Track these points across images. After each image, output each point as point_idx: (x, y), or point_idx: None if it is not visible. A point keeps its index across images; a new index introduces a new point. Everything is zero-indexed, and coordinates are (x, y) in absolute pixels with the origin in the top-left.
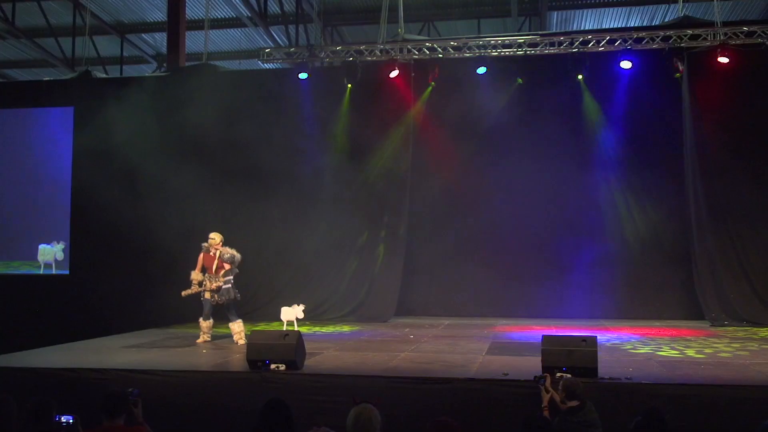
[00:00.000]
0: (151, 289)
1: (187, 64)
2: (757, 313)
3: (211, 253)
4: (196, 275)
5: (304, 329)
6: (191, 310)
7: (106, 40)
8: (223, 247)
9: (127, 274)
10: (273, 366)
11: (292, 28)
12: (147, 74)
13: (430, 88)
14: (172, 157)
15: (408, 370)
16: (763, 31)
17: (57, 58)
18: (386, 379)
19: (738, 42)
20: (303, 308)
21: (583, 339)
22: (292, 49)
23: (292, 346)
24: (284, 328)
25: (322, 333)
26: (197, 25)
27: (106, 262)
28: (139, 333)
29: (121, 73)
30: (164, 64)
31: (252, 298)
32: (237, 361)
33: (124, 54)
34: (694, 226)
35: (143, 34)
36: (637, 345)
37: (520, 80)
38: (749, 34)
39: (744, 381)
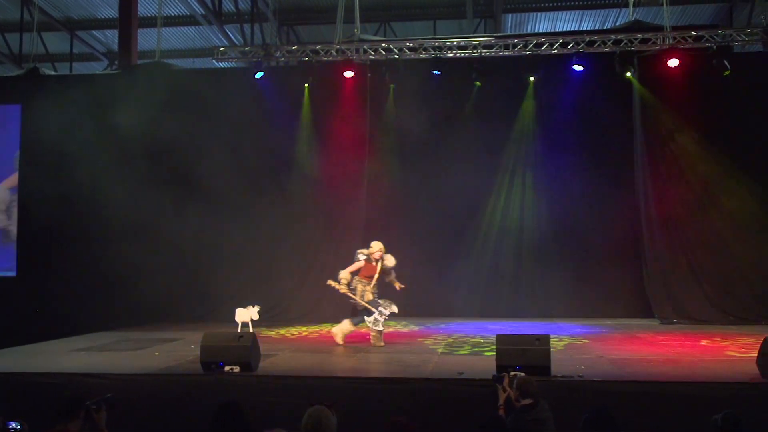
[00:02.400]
0: (102, 291)
1: (139, 62)
2: (704, 311)
3: (373, 263)
4: (345, 275)
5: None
6: (144, 312)
7: (55, 36)
8: (386, 255)
9: (77, 275)
10: (227, 368)
11: (247, 26)
12: (98, 72)
13: (391, 89)
14: (122, 156)
15: (364, 370)
16: (710, 36)
17: (4, 55)
18: (342, 380)
19: (687, 46)
20: (258, 309)
21: (537, 338)
22: (247, 48)
23: (247, 347)
24: (239, 330)
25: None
26: (150, 22)
27: (54, 264)
28: (90, 336)
29: (70, 71)
30: (115, 62)
31: (206, 300)
32: (190, 363)
33: (74, 51)
34: (645, 227)
35: (94, 31)
36: (589, 343)
37: (478, 83)
38: (697, 39)
39: (692, 378)
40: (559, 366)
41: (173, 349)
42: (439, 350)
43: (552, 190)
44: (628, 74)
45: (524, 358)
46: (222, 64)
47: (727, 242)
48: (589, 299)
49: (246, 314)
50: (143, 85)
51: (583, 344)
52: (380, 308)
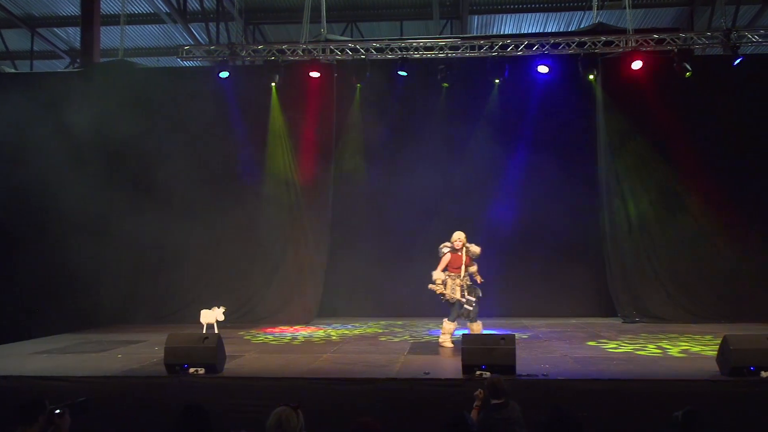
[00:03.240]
0: (60, 293)
1: (102, 60)
2: (666, 309)
3: (459, 253)
4: (438, 275)
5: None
6: (105, 313)
7: (15, 33)
8: (469, 244)
9: (34, 276)
10: (192, 370)
11: (212, 25)
12: (59, 70)
13: (358, 89)
14: (84, 156)
15: (330, 371)
16: (672, 39)
17: None
18: (308, 381)
19: (649, 48)
20: (224, 310)
21: (502, 337)
22: (213, 47)
23: (212, 349)
24: (204, 331)
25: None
26: (113, 20)
27: (13, 264)
28: (50, 338)
29: (31, 69)
30: (77, 60)
31: (171, 301)
32: (154, 365)
33: (35, 49)
34: (607, 226)
35: (55, 29)
36: (553, 342)
37: (445, 84)
38: (659, 41)
39: (654, 375)
40: (523, 365)
41: (136, 351)
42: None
43: (517, 191)
44: (591, 76)
45: (490, 357)
46: (187, 63)
47: (689, 243)
48: (554, 298)
49: (211, 315)
50: (106, 84)
51: (547, 343)
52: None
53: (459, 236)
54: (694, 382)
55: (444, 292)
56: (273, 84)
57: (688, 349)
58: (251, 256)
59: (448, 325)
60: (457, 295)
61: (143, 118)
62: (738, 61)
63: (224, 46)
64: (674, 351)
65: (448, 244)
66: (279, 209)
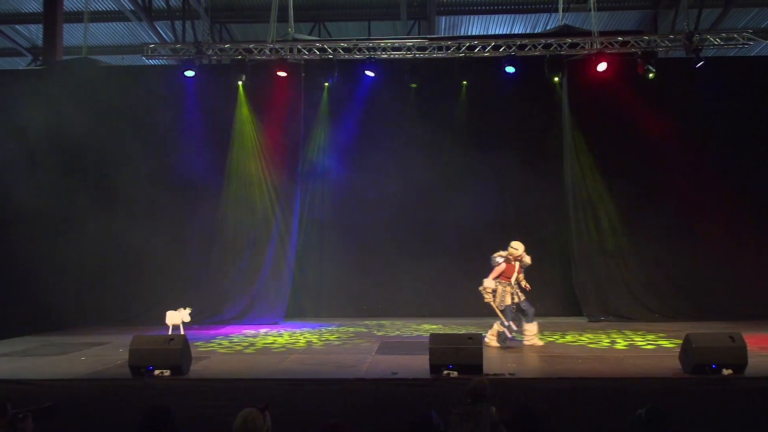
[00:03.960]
0: (20, 294)
1: (64, 57)
2: (631, 308)
3: (513, 263)
4: (489, 283)
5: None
6: (67, 315)
7: None
8: (524, 254)
9: None
10: (157, 372)
11: (178, 23)
12: (21, 67)
13: (326, 88)
14: (46, 154)
15: (297, 371)
16: (636, 41)
17: None
18: (275, 382)
19: (613, 51)
20: (190, 312)
21: (470, 336)
22: (178, 46)
23: (178, 350)
24: (170, 333)
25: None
26: (76, 17)
27: None
28: (10, 341)
29: None
30: (40, 58)
31: (135, 302)
32: (118, 367)
33: None
34: (573, 227)
35: (17, 25)
36: (521, 341)
37: (414, 85)
38: (623, 44)
39: (619, 373)
40: (491, 364)
41: (100, 354)
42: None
43: (485, 191)
44: (555, 78)
45: (457, 357)
46: (152, 62)
47: (653, 243)
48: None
49: (177, 317)
50: (69, 82)
51: (513, 342)
52: (510, 323)
53: (518, 247)
54: (658, 379)
55: (491, 301)
56: (240, 83)
57: (652, 347)
58: (218, 257)
59: (498, 326)
60: (507, 301)
61: (106, 116)
62: (700, 63)
63: (190, 44)
64: (639, 349)
65: (503, 253)
66: (246, 209)
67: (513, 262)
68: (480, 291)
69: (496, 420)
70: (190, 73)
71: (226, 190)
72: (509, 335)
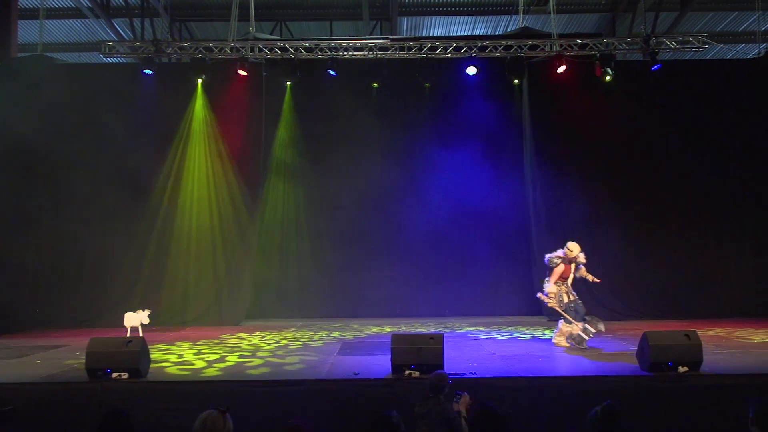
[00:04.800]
0: None
1: (19, 54)
2: (590, 307)
3: (569, 264)
4: (552, 288)
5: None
6: (20, 318)
7: None
8: (581, 255)
9: None
10: (115, 375)
11: (137, 21)
12: None
13: (288, 88)
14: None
15: (258, 373)
16: (594, 44)
17: None
18: (236, 384)
19: (573, 53)
20: (149, 313)
21: (431, 336)
22: (137, 44)
23: (136, 353)
24: (128, 335)
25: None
26: (31, 13)
27: None
28: None
29: None
30: None
31: (93, 304)
32: (75, 370)
33: None
34: (533, 226)
35: None
36: (481, 340)
37: (375, 84)
38: (582, 46)
39: (576, 372)
40: (451, 364)
41: (56, 357)
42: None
43: (448, 191)
44: (516, 81)
45: (418, 357)
46: (110, 60)
47: (613, 243)
48: (481, 297)
49: (135, 318)
50: (23, 80)
51: (475, 342)
52: (586, 326)
53: (574, 248)
54: (616, 378)
55: (556, 305)
56: (199, 82)
57: (612, 345)
58: (177, 258)
59: (565, 327)
60: (565, 300)
61: (62, 115)
62: (656, 66)
63: (149, 42)
64: (597, 348)
65: (560, 254)
66: (205, 210)
67: (569, 263)
68: (541, 298)
69: (453, 414)
70: (148, 72)
71: (185, 191)
72: (586, 337)
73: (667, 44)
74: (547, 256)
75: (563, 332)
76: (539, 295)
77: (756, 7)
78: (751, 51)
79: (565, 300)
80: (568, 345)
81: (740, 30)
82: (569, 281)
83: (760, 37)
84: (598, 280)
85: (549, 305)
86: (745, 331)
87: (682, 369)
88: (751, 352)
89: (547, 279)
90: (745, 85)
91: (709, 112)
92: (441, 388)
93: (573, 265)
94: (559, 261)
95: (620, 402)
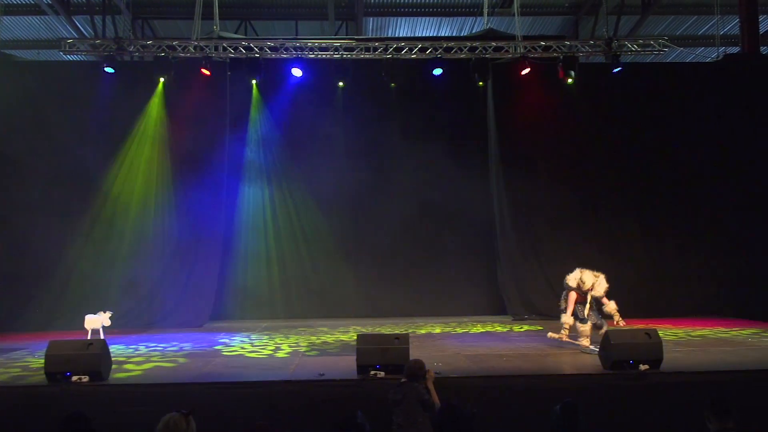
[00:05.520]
0: None
1: None
2: (552, 306)
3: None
4: (568, 320)
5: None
6: None
7: None
8: (597, 287)
9: None
10: (75, 378)
11: (98, 18)
12: None
13: (254, 87)
14: None
15: (223, 375)
16: (558, 46)
17: None
18: (200, 386)
19: (536, 55)
20: (110, 315)
21: (397, 336)
22: (98, 41)
23: (97, 356)
24: (89, 337)
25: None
26: None
27: None
28: None
29: None
30: None
31: (53, 307)
32: (34, 374)
33: None
34: (498, 228)
35: None
36: (447, 340)
37: (341, 84)
38: (546, 49)
39: (540, 371)
40: None
41: (15, 360)
42: (303, 350)
43: (413, 191)
44: (480, 83)
45: (384, 357)
46: (70, 57)
47: (576, 243)
48: (446, 297)
49: (96, 321)
50: None
51: (440, 341)
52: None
53: (587, 280)
54: (579, 376)
55: (571, 341)
56: (161, 81)
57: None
58: (139, 260)
59: (580, 327)
60: (593, 320)
61: (20, 114)
62: (618, 69)
63: (110, 40)
64: (561, 346)
65: (575, 280)
66: (166, 212)
67: (584, 294)
68: (552, 337)
69: (426, 395)
70: (109, 70)
71: (146, 192)
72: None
73: (628, 47)
74: (566, 279)
75: (583, 333)
76: (550, 335)
77: (715, 11)
78: (710, 54)
79: (592, 319)
80: (588, 345)
81: (699, 34)
82: (588, 302)
83: (718, 40)
84: (623, 323)
85: (563, 339)
86: (705, 329)
87: (643, 367)
88: (709, 350)
89: (563, 297)
90: (703, 88)
91: (670, 114)
92: (418, 375)
93: (589, 297)
94: (572, 285)
95: (583, 399)
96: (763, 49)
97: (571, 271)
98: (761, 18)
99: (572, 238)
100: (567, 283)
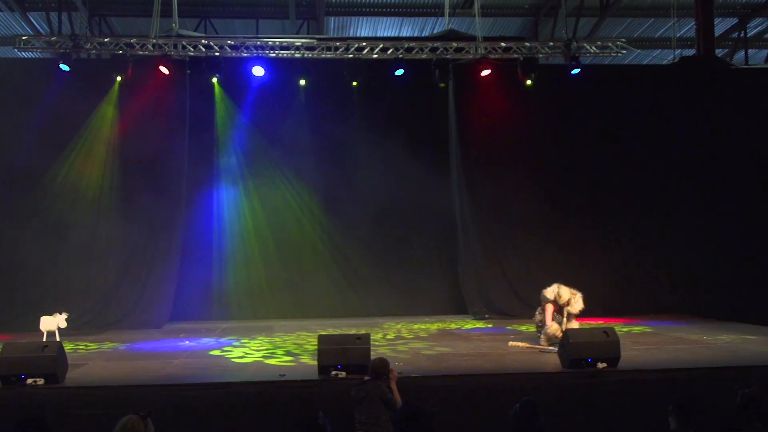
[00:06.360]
0: None
1: None
2: (513, 306)
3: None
4: (549, 332)
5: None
6: None
7: None
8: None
9: None
10: (29, 380)
11: (54, 15)
12: None
13: (215, 86)
14: None
15: (182, 376)
16: (518, 47)
17: None
18: (159, 388)
19: (497, 56)
20: (66, 317)
21: (357, 337)
22: (54, 38)
23: (52, 357)
24: (44, 339)
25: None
26: None
27: None
28: None
29: None
30: None
31: (8, 307)
32: None
33: None
34: (460, 228)
35: None
36: (409, 340)
37: (303, 83)
38: (506, 50)
39: (500, 369)
40: None
41: None
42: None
43: (374, 191)
44: (441, 84)
45: (345, 357)
46: (25, 54)
47: (533, 241)
48: (408, 297)
49: (52, 322)
50: None
51: (401, 341)
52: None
53: (566, 297)
54: (538, 374)
55: (546, 348)
56: (118, 80)
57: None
58: (96, 261)
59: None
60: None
61: None
62: (576, 71)
63: (67, 37)
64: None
65: (551, 294)
66: (126, 209)
67: (559, 308)
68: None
69: (389, 394)
70: (65, 67)
71: (103, 191)
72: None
73: (587, 49)
74: (544, 291)
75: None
76: (511, 344)
77: (671, 14)
78: (666, 56)
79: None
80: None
81: (656, 36)
82: (564, 314)
83: (675, 43)
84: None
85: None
86: (661, 327)
87: (601, 365)
88: (666, 348)
89: (539, 311)
90: (660, 89)
91: (628, 114)
92: (382, 374)
93: (565, 312)
94: (551, 298)
95: (542, 398)
96: (718, 52)
97: (549, 285)
98: (716, 21)
99: (533, 237)
100: (544, 296)
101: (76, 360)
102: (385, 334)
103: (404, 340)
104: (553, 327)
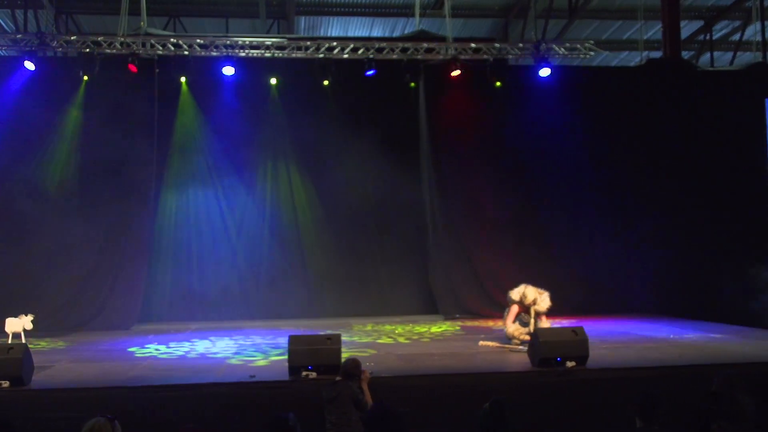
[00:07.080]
0: None
1: None
2: (483, 305)
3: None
4: (509, 332)
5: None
6: None
7: None
8: (541, 297)
9: None
10: None
11: (20, 12)
12: None
13: (184, 85)
14: None
15: (150, 377)
16: (488, 48)
17: None
18: (127, 390)
19: (467, 57)
20: (32, 318)
21: (328, 337)
22: (19, 36)
23: (18, 360)
24: (9, 341)
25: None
26: None
27: None
28: None
29: None
30: None
31: None
32: None
33: None
34: (430, 227)
35: None
36: (379, 340)
37: (274, 83)
38: (476, 51)
39: (470, 369)
40: None
41: None
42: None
43: (345, 191)
44: (412, 84)
45: (316, 357)
46: None
47: (504, 240)
48: (378, 296)
49: (17, 324)
50: None
51: (373, 341)
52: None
53: (532, 297)
54: (507, 374)
55: (513, 348)
56: (85, 78)
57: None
58: (63, 262)
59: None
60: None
61: None
62: (545, 72)
63: (32, 35)
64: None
65: (517, 295)
66: (93, 209)
67: (525, 307)
68: (484, 345)
69: (360, 395)
70: (29, 66)
71: (70, 191)
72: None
73: (556, 50)
74: (510, 293)
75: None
76: (482, 343)
77: (639, 17)
78: (633, 58)
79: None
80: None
81: (624, 38)
82: (532, 315)
83: (642, 45)
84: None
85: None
86: (630, 326)
87: (569, 364)
88: (633, 346)
89: (506, 314)
90: (628, 90)
91: (597, 115)
92: (354, 375)
93: (532, 312)
94: (516, 299)
95: (512, 397)
96: (685, 54)
97: (516, 286)
98: (683, 24)
99: (503, 237)
100: (510, 297)
101: (43, 362)
102: (356, 334)
103: (373, 338)
104: (510, 328)
